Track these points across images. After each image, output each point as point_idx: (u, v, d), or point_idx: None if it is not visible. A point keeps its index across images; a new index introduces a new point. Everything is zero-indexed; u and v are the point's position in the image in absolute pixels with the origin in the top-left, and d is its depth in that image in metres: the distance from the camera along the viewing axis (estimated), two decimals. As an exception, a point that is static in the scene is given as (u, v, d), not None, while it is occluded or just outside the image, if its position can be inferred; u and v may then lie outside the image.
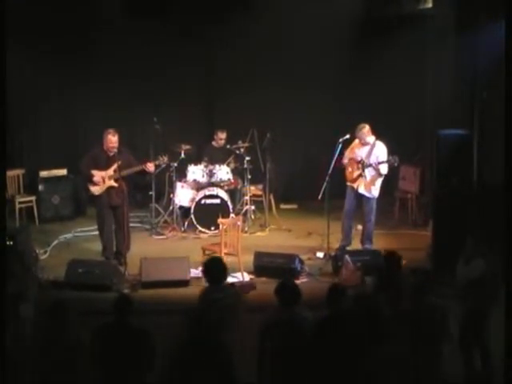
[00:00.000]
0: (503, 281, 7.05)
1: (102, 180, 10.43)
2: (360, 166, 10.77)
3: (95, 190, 10.50)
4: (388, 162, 10.64)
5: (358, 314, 6.44)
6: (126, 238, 10.44)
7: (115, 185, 10.42)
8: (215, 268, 7.16)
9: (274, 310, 6.64)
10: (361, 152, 10.89)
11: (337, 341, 6.24)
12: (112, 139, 10.36)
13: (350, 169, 10.95)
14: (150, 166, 10.69)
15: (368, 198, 10.90)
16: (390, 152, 10.77)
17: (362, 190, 10.87)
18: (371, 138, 10.87)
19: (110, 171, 10.41)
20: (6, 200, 12.26)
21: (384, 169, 10.71)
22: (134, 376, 6.25)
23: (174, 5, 12.84)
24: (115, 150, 10.45)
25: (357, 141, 10.97)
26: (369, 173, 10.76)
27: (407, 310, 6.78)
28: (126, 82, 13.12)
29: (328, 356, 6.22)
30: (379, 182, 10.85)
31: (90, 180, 10.48)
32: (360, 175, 10.80)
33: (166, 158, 11.20)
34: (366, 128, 10.81)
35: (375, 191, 10.87)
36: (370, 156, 10.78)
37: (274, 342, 6.34)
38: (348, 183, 11.01)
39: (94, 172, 10.43)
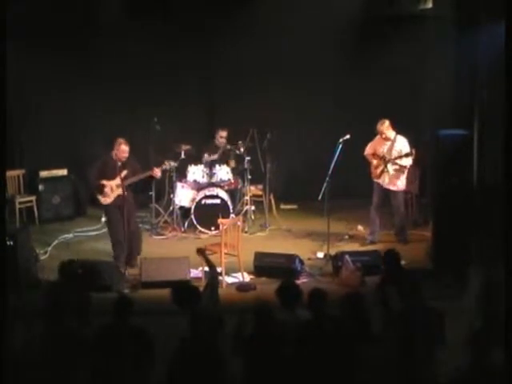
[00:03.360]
0: (503, 281, 7.04)
1: (111, 190, 10.41)
2: (382, 161, 11.07)
3: (104, 200, 10.46)
4: (406, 155, 10.94)
5: (341, 317, 6.42)
6: (138, 239, 10.70)
7: (123, 193, 10.34)
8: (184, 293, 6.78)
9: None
10: (382, 148, 11.18)
11: (320, 345, 6.21)
12: (125, 149, 10.36)
13: (374, 164, 11.25)
14: (157, 172, 10.77)
15: (395, 192, 11.23)
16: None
17: (387, 185, 11.17)
18: (391, 133, 11.12)
19: (118, 180, 10.34)
20: (6, 200, 12.31)
21: (406, 161, 11.01)
22: (134, 376, 6.25)
23: (175, 4, 12.85)
24: (124, 160, 10.44)
25: (378, 137, 11.24)
26: (391, 167, 11.05)
27: (402, 311, 6.77)
28: (127, 82, 13.11)
29: (312, 360, 6.19)
30: (404, 175, 11.19)
31: (99, 190, 10.43)
32: (383, 171, 11.09)
33: (172, 162, 11.35)
34: (386, 123, 11.10)
35: (401, 184, 11.23)
36: (391, 151, 11.10)
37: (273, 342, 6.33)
38: (374, 179, 11.28)
39: (104, 182, 10.38)
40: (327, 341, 6.22)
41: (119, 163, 10.36)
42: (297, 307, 6.59)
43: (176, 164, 12.19)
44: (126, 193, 10.31)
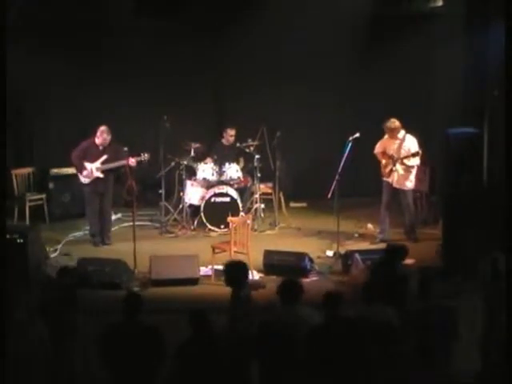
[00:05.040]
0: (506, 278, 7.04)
1: (91, 171, 11.29)
2: (391, 161, 11.09)
3: (84, 179, 11.41)
4: (412, 155, 10.92)
5: (353, 320, 6.41)
6: (108, 221, 11.69)
7: (101, 176, 11.32)
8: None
9: (274, 308, 6.65)
10: (391, 146, 11.18)
11: (334, 347, 6.20)
12: (107, 138, 11.36)
13: (383, 163, 11.25)
14: (132, 162, 11.26)
15: (404, 191, 11.25)
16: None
17: (396, 184, 11.18)
18: (400, 133, 11.06)
19: (98, 163, 11.31)
20: (16, 198, 12.36)
21: (413, 161, 11.01)
22: (145, 374, 6.25)
23: (185, 3, 12.85)
24: (106, 146, 11.37)
25: (387, 136, 11.24)
26: (400, 167, 11.06)
27: (414, 310, 6.75)
28: (137, 80, 13.13)
29: (326, 362, 6.19)
30: (413, 174, 11.17)
31: (81, 171, 11.35)
32: (392, 170, 11.10)
33: (147, 156, 11.57)
34: (396, 123, 11.06)
35: (410, 183, 11.23)
36: (399, 150, 11.08)
37: (274, 340, 6.33)
38: (383, 178, 11.28)
39: (85, 164, 11.29)
40: (341, 343, 6.21)
41: (101, 148, 11.37)
42: (297, 304, 6.61)
43: (185, 162, 12.26)
44: (104, 175, 11.30)
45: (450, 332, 6.59)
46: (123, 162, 11.16)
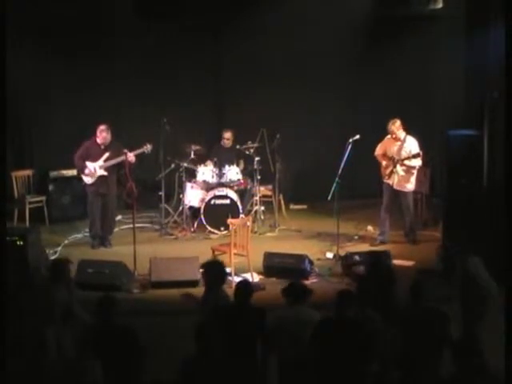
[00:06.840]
0: (503, 280, 7.03)
1: (94, 170, 11.31)
2: (391, 162, 11.07)
3: (87, 179, 11.44)
4: (414, 156, 10.92)
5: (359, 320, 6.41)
6: (111, 222, 11.70)
7: (105, 174, 11.35)
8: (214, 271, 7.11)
9: (280, 309, 6.66)
10: (392, 148, 11.17)
11: (340, 345, 6.21)
12: (107, 136, 11.38)
13: (384, 165, 11.24)
14: (131, 158, 11.14)
15: (404, 193, 11.24)
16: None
17: (397, 186, 11.17)
18: (402, 134, 11.10)
19: (100, 162, 11.33)
20: (16, 200, 12.36)
21: (415, 162, 11.02)
22: (125, 377, 6.19)
23: (185, 5, 12.85)
24: (107, 144, 11.40)
25: (388, 136, 11.21)
26: (400, 168, 11.06)
27: (405, 314, 6.73)
28: (136, 82, 13.14)
29: (331, 359, 6.20)
30: (413, 176, 11.18)
31: (83, 171, 11.38)
32: (392, 171, 11.09)
33: (149, 146, 11.53)
34: (397, 123, 11.09)
35: (410, 185, 11.23)
36: (400, 152, 11.08)
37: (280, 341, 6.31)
38: (384, 180, 11.28)
39: (87, 163, 11.31)
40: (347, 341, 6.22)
41: (102, 147, 11.39)
42: (302, 305, 6.61)
43: (185, 164, 12.26)
44: (107, 174, 11.34)
45: (441, 335, 6.55)
46: (122, 158, 11.05)
